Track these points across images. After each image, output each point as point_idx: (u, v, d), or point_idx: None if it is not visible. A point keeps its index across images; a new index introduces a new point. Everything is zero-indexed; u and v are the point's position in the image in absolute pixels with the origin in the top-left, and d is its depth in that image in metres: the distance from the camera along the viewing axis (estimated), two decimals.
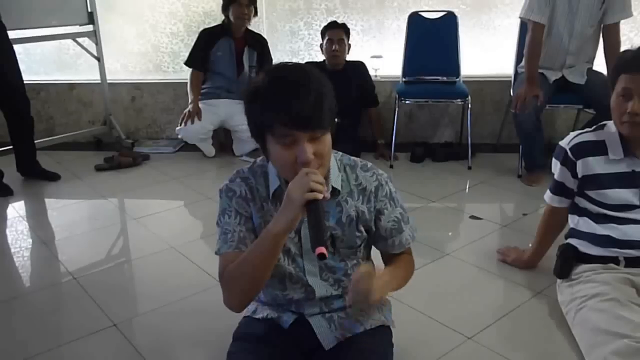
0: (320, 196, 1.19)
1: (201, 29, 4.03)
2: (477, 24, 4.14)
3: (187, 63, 3.99)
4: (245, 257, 1.32)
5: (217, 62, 3.95)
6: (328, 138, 1.28)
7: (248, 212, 1.42)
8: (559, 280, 2.03)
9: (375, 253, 1.57)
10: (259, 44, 4.02)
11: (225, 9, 3.86)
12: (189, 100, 3.89)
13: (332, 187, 1.38)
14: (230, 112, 3.91)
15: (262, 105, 1.24)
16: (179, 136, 3.98)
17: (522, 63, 3.37)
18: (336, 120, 1.33)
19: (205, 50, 3.91)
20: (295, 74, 1.25)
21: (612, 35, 3.19)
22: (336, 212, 1.42)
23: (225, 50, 3.92)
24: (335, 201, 1.41)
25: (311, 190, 1.18)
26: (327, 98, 1.24)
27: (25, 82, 3.50)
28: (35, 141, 3.65)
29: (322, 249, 1.15)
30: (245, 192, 1.42)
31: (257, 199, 1.42)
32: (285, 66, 1.29)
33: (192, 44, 4.00)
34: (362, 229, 1.46)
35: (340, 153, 1.47)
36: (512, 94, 3.55)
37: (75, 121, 4.54)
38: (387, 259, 1.55)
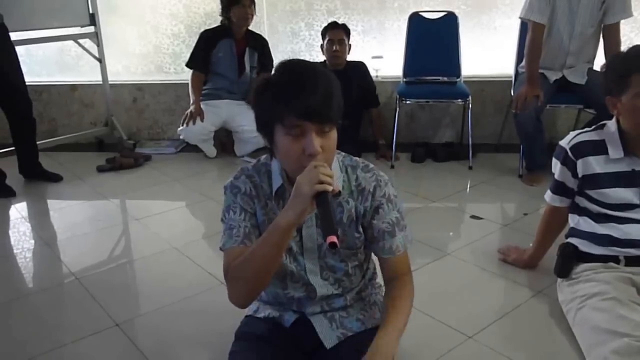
0: (330, 188, 1.20)
1: (202, 30, 4.03)
2: (478, 24, 4.15)
3: (188, 65, 3.99)
4: (252, 251, 1.32)
5: (219, 63, 3.95)
6: (334, 134, 1.30)
7: (252, 209, 1.43)
8: (559, 280, 2.03)
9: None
10: (260, 45, 4.02)
11: (226, 10, 3.86)
12: (191, 102, 3.90)
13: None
14: (231, 113, 3.92)
15: (273, 96, 1.26)
16: (181, 137, 3.99)
17: (523, 63, 3.38)
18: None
19: (207, 51, 3.92)
20: (306, 69, 1.28)
21: (612, 36, 3.19)
22: (337, 212, 1.42)
23: (227, 51, 3.93)
24: (337, 202, 1.41)
25: (320, 182, 1.19)
26: (336, 94, 1.27)
27: (27, 83, 3.51)
28: (37, 142, 3.66)
29: (333, 238, 1.14)
30: (250, 190, 1.43)
31: (261, 196, 1.43)
32: (296, 61, 1.32)
33: (193, 45, 4.01)
34: (361, 229, 1.46)
35: (343, 154, 1.48)
36: (512, 94, 3.55)
37: (77, 122, 4.55)
38: (384, 274, 1.51)
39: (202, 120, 3.83)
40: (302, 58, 1.37)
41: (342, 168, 1.44)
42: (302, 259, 1.47)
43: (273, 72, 1.31)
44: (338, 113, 1.28)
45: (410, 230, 1.49)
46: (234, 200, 1.43)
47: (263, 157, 1.48)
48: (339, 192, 1.40)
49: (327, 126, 1.26)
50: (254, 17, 3.93)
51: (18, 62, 3.42)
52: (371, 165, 1.48)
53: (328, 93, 1.25)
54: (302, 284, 1.50)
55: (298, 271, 1.48)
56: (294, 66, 1.30)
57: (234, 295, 1.39)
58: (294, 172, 1.29)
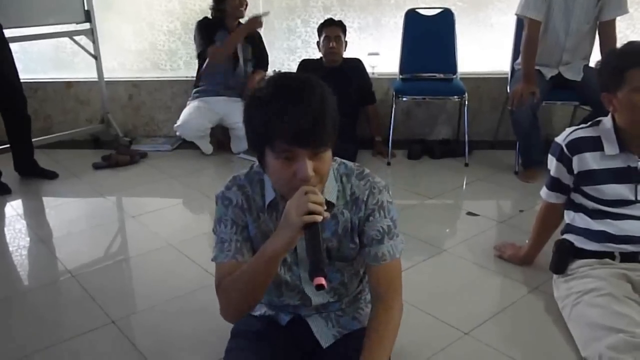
0: (320, 219, 1.16)
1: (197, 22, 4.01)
2: (474, 21, 4.15)
3: (202, 53, 3.92)
4: (241, 273, 1.30)
5: None
6: (329, 155, 1.25)
7: (244, 221, 1.40)
8: (555, 276, 2.04)
9: None
10: (253, 38, 4.02)
11: (219, 2, 3.85)
12: (234, 43, 3.88)
13: (327, 201, 1.32)
14: (228, 110, 3.91)
15: (263, 118, 1.18)
16: (177, 133, 3.98)
17: (519, 60, 3.39)
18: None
19: (211, 37, 3.89)
20: (299, 89, 1.19)
21: (608, 32, 3.20)
22: (332, 224, 1.39)
23: (222, 42, 3.91)
24: (331, 213, 1.36)
25: (310, 212, 1.15)
26: (330, 114, 1.20)
27: (22, 80, 3.49)
28: (33, 140, 3.65)
29: (321, 280, 1.12)
30: (242, 202, 1.39)
31: (253, 208, 1.39)
32: (288, 78, 1.25)
33: (191, 39, 4.01)
34: (356, 240, 1.42)
35: (338, 161, 1.43)
36: (508, 91, 3.55)
37: (73, 119, 4.53)
38: (370, 285, 1.46)
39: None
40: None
41: (336, 177, 1.39)
42: (297, 269, 1.44)
43: (263, 87, 1.22)
44: (332, 134, 1.22)
45: (401, 241, 1.43)
46: (225, 213, 1.39)
47: (256, 164, 1.40)
48: (333, 205, 1.37)
49: (319, 149, 1.21)
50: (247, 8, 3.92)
51: (12, 59, 3.41)
52: (366, 171, 1.42)
53: (321, 114, 1.17)
54: (297, 292, 1.48)
55: (293, 280, 1.46)
56: (284, 85, 1.21)
57: (224, 311, 1.39)
58: (285, 194, 1.27)
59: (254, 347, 1.46)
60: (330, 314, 1.53)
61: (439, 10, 3.94)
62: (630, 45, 1.85)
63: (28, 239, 2.84)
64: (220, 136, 4.15)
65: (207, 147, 4.03)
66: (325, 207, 1.20)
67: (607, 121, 1.93)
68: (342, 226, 1.40)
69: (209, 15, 3.97)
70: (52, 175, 3.63)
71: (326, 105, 1.19)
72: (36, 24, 3.86)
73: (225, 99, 3.95)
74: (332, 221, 1.39)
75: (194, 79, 4.11)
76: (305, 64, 3.91)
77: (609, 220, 1.90)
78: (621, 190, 1.89)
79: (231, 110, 3.88)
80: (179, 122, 3.92)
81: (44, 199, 3.44)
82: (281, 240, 1.21)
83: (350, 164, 1.44)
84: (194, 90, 4.06)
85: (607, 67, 1.91)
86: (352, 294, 1.56)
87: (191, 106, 3.97)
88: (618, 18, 3.18)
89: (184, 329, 1.99)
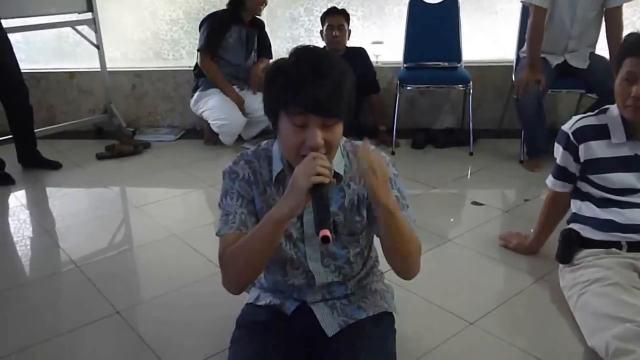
0: (327, 180, 1.19)
1: (202, 15, 3.95)
2: (479, 8, 4.11)
3: (204, 49, 3.82)
4: (245, 240, 1.32)
5: (227, 48, 3.87)
6: (339, 129, 1.28)
7: (250, 195, 1.42)
8: (561, 265, 2.03)
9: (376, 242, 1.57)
10: (258, 27, 3.99)
11: None
12: (227, 92, 3.79)
13: (335, 172, 1.36)
14: None
15: (281, 83, 1.24)
16: (220, 137, 3.86)
17: (524, 48, 3.36)
18: None
19: (222, 34, 3.83)
20: (319, 58, 1.25)
21: (614, 19, 3.16)
22: (339, 197, 1.42)
23: (236, 37, 3.87)
24: (338, 187, 1.41)
25: (318, 174, 1.17)
26: (347, 88, 1.25)
27: (24, 70, 3.49)
28: (36, 130, 3.64)
29: (326, 232, 1.14)
30: (249, 175, 1.42)
31: (260, 182, 1.42)
32: (312, 50, 1.29)
33: (196, 30, 3.95)
34: (363, 214, 1.45)
35: (344, 139, 1.46)
36: (514, 79, 3.53)
37: (76, 110, 4.53)
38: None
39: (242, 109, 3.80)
40: (315, 45, 1.33)
41: (343, 153, 1.43)
42: (303, 246, 1.46)
43: (287, 57, 1.28)
44: (346, 108, 1.26)
45: (412, 212, 1.45)
46: (232, 186, 1.42)
47: (264, 142, 1.47)
48: (341, 177, 1.39)
49: (331, 120, 1.24)
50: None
51: (12, 49, 3.39)
52: (372, 147, 1.45)
53: (337, 87, 1.22)
54: (302, 270, 1.49)
55: (298, 257, 1.47)
56: (307, 55, 1.26)
57: (226, 281, 1.39)
58: (293, 161, 1.29)
59: (259, 338, 1.47)
60: (335, 302, 1.53)
61: None
62: (634, 35, 1.84)
63: (31, 229, 2.84)
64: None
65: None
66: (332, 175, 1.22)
67: (614, 109, 1.92)
68: (349, 199, 1.43)
69: (217, 10, 3.90)
70: (55, 166, 3.63)
71: (344, 79, 1.24)
72: (38, 14, 3.85)
73: (236, 89, 3.90)
74: (339, 194, 1.42)
75: (194, 68, 4.00)
76: None
77: (616, 209, 1.88)
78: (628, 179, 1.87)
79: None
80: (221, 122, 3.77)
81: (48, 189, 3.44)
82: (288, 205, 1.22)
83: (357, 142, 1.47)
84: (202, 79, 3.91)
85: (614, 55, 1.91)
86: (357, 277, 1.56)
87: (216, 100, 3.81)
88: (625, 4, 3.14)
89: (188, 319, 1.99)
